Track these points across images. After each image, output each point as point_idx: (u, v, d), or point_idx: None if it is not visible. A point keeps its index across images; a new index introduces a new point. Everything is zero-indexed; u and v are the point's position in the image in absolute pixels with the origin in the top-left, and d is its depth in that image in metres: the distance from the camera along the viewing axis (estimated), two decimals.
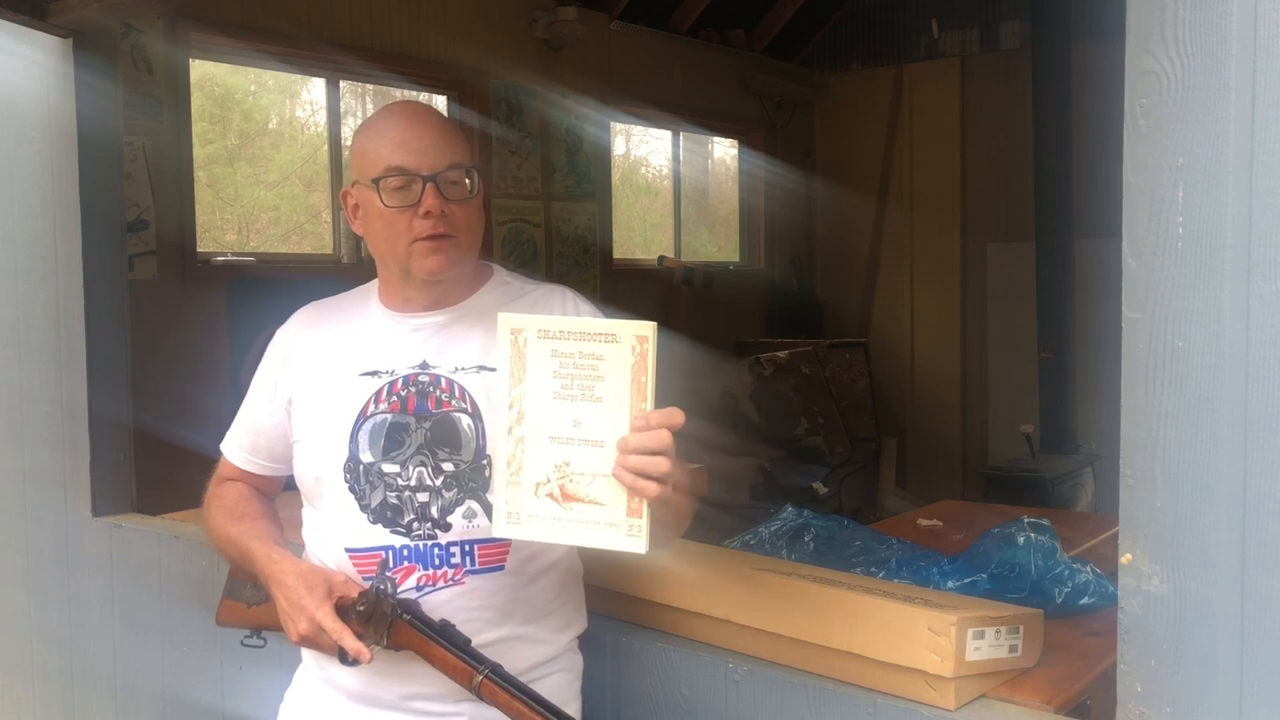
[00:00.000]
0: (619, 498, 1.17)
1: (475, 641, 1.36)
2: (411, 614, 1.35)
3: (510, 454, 1.22)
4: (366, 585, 1.38)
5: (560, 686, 1.49)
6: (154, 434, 2.91)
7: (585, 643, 1.60)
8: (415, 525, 1.41)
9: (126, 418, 2.72)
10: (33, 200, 2.73)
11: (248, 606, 1.57)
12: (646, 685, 1.69)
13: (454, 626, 1.36)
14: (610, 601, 1.78)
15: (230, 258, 4.53)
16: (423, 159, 1.40)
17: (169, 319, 4.05)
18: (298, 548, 1.52)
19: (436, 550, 1.41)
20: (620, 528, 1.18)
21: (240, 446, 1.61)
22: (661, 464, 1.15)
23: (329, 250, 5.06)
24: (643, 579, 1.76)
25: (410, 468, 1.41)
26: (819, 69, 7.56)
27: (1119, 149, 1.14)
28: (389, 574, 1.40)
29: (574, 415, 1.19)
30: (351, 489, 1.43)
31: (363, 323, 1.52)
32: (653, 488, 1.15)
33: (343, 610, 1.36)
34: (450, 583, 1.41)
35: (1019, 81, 6.29)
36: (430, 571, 1.41)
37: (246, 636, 1.58)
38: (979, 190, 6.89)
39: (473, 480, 1.41)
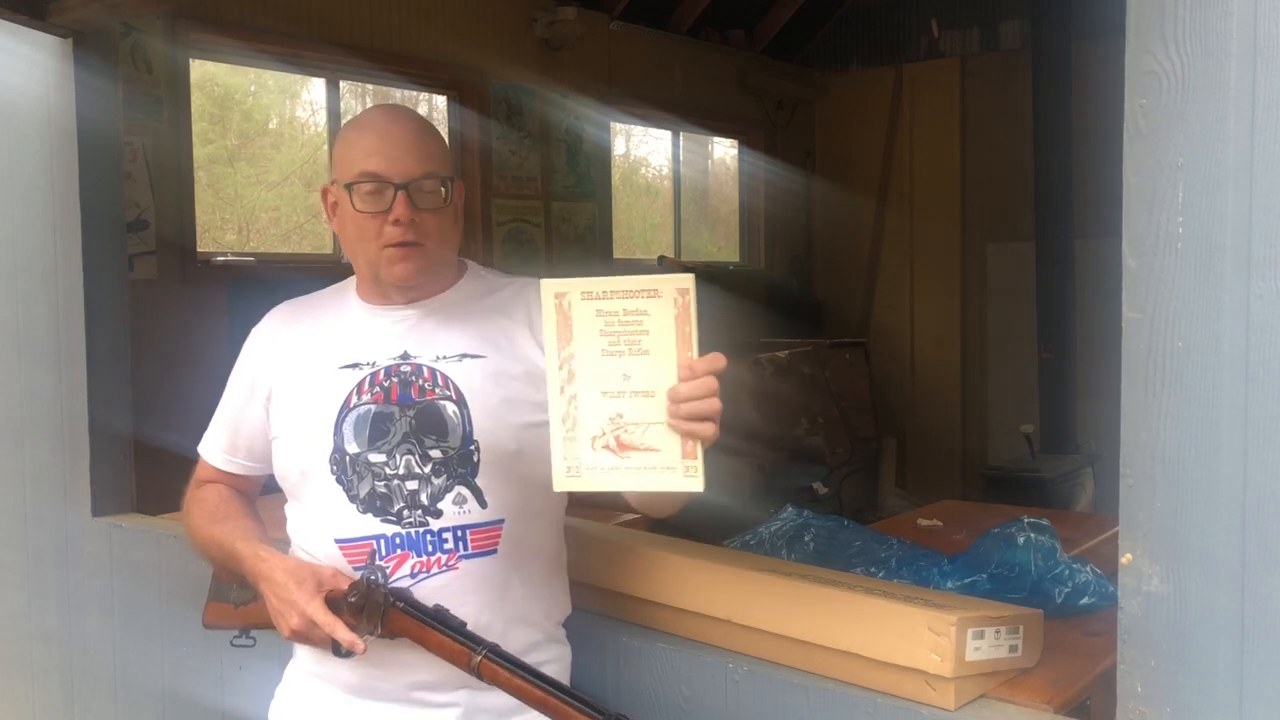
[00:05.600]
0: (673, 443, 1.23)
1: (470, 625, 1.38)
2: (405, 601, 1.36)
3: (564, 411, 1.27)
4: (356, 577, 1.39)
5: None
6: (154, 434, 2.91)
7: (585, 642, 1.60)
8: (406, 513, 1.42)
9: (126, 418, 2.72)
10: (33, 200, 2.72)
11: (234, 607, 1.57)
12: (646, 685, 1.69)
13: (448, 611, 1.37)
14: (610, 601, 1.78)
15: (230, 258, 4.53)
16: (396, 166, 1.41)
17: (169, 319, 4.05)
18: (282, 544, 1.52)
19: (429, 537, 1.41)
20: (677, 470, 1.24)
21: (219, 447, 1.62)
22: (713, 404, 1.20)
23: (329, 250, 5.06)
24: (643, 579, 1.75)
25: (397, 456, 1.42)
26: (819, 69, 7.56)
27: (1119, 149, 1.13)
28: (380, 563, 1.41)
29: (623, 370, 1.24)
30: (339, 480, 1.43)
31: (341, 317, 1.54)
32: (707, 428, 1.21)
33: (334, 603, 1.36)
34: (444, 568, 1.42)
35: (1019, 81, 6.29)
36: (424, 558, 1.41)
37: (235, 637, 1.57)
38: (979, 190, 6.89)
39: (461, 466, 1.42)
